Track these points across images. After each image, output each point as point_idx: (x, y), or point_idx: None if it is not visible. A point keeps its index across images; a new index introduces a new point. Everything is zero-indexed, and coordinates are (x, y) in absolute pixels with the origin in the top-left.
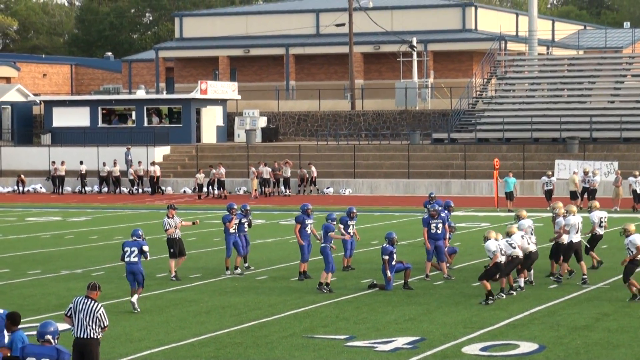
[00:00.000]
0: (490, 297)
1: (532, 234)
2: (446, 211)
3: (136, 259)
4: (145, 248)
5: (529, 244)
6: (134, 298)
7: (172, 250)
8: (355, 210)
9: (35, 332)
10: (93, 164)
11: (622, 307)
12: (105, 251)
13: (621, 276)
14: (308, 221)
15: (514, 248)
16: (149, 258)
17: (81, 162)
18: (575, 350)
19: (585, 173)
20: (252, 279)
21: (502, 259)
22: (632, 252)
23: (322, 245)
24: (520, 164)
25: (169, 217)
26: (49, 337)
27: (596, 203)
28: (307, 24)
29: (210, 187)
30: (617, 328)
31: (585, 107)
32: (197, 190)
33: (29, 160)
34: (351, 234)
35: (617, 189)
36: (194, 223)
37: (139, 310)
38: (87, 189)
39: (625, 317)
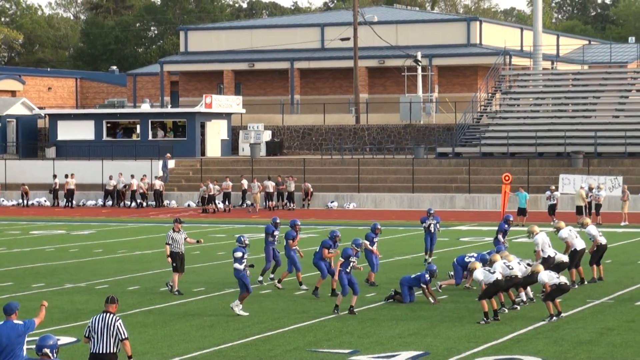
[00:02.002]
0: (484, 319)
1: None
2: (506, 225)
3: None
4: (237, 254)
5: (526, 267)
6: (234, 303)
7: (174, 264)
8: (379, 227)
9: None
10: (97, 178)
11: (626, 321)
12: (109, 264)
13: (626, 291)
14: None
15: (511, 269)
16: (242, 264)
17: (66, 176)
18: None
19: (591, 188)
20: (256, 293)
21: (497, 276)
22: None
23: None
24: (525, 179)
25: (174, 231)
26: (47, 350)
27: (587, 219)
28: (312, 38)
29: (202, 202)
30: (621, 342)
31: (589, 121)
32: (203, 203)
33: (33, 174)
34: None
35: (623, 203)
36: (198, 242)
37: (242, 314)
38: (91, 202)
39: (629, 332)
